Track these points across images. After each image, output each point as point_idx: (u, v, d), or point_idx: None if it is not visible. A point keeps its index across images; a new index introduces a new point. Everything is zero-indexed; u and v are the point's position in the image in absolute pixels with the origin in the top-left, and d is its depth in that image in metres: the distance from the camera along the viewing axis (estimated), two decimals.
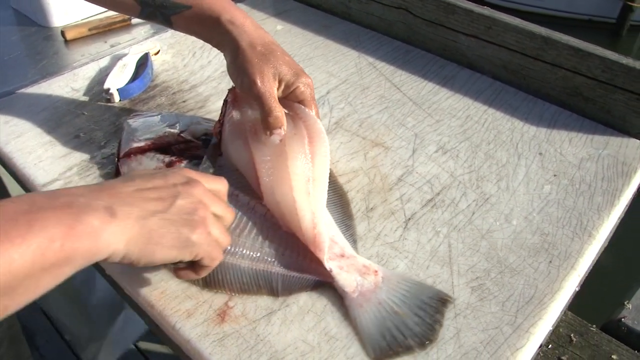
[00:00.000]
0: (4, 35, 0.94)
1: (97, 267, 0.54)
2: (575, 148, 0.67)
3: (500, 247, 0.55)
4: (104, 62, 0.83)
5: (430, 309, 0.48)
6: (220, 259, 0.46)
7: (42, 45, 0.91)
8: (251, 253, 0.51)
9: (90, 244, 0.36)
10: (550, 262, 0.53)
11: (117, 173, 0.61)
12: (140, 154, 0.60)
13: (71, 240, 0.35)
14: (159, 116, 0.65)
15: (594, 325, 0.57)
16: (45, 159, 0.65)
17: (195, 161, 0.59)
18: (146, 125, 0.63)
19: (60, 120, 0.71)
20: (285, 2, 1.02)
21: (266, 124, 0.54)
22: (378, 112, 0.73)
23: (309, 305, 0.49)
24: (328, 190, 0.56)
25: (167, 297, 0.49)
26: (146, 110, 0.73)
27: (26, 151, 0.66)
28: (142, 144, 0.61)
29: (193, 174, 0.46)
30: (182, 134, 0.62)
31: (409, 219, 0.57)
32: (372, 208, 0.59)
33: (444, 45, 0.84)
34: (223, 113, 0.60)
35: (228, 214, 0.47)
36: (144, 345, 1.37)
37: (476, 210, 0.59)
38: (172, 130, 0.62)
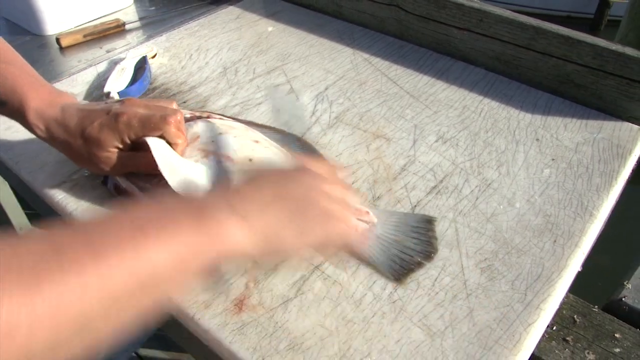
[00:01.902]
0: None
1: None
2: (571, 133, 0.69)
3: (506, 229, 0.56)
4: (101, 67, 0.84)
5: (421, 229, 0.56)
6: (354, 224, 0.47)
7: (38, 54, 0.91)
8: None
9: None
10: (555, 241, 0.55)
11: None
12: None
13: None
14: None
15: (596, 306, 0.58)
16: (50, 162, 0.65)
17: None
18: None
19: None
20: (276, 4, 1.03)
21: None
22: (377, 105, 0.75)
23: (324, 292, 0.50)
24: (298, 150, 0.64)
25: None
26: None
27: (30, 156, 0.66)
28: None
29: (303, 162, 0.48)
30: None
31: (415, 205, 0.59)
32: (378, 197, 0.60)
33: (437, 39, 0.86)
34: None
35: (347, 191, 0.48)
36: (144, 352, 1.37)
37: (479, 195, 0.60)
38: None
